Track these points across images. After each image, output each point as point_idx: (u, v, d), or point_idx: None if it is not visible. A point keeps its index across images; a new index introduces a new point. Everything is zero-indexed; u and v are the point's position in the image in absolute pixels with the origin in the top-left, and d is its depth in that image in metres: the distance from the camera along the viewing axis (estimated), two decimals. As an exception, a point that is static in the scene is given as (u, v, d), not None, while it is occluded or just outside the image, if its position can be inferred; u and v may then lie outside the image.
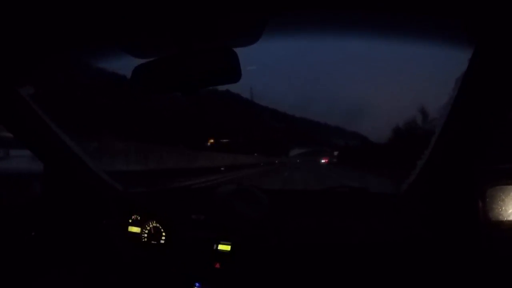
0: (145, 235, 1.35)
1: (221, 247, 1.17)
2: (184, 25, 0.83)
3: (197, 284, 1.16)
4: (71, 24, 0.92)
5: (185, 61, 0.87)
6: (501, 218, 1.02)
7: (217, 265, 1.15)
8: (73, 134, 1.39)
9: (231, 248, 1.16)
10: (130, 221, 1.39)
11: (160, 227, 1.33)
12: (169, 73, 0.90)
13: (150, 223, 1.35)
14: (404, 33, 0.96)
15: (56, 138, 1.36)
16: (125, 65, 1.08)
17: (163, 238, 1.31)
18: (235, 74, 0.82)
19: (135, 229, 1.38)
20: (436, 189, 1.13)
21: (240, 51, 0.83)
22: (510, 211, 1.02)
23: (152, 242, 1.33)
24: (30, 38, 1.00)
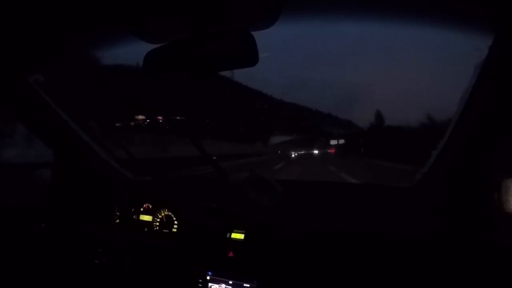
0: (157, 223, 1.36)
1: (234, 235, 1.18)
2: (199, 7, 0.82)
3: (209, 273, 1.16)
4: (81, 9, 0.91)
5: (200, 44, 0.85)
6: (516, 210, 1.01)
7: (231, 254, 1.15)
8: (82, 122, 1.39)
9: (244, 236, 1.16)
10: (141, 209, 1.40)
11: (172, 216, 1.33)
12: (183, 57, 0.88)
13: (162, 211, 1.36)
14: (421, 16, 0.95)
15: (66, 126, 1.36)
16: (137, 50, 1.06)
17: (175, 226, 1.32)
18: (252, 57, 0.80)
19: (146, 218, 1.38)
20: (451, 180, 1.12)
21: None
22: (525, 203, 1.01)
23: (164, 230, 1.34)
24: (39, 25, 0.99)
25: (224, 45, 0.84)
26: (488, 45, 0.89)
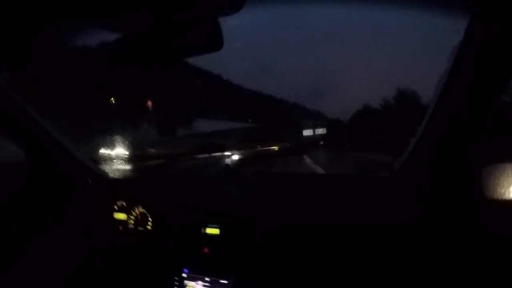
0: (132, 221, 1.31)
1: (209, 230, 1.13)
2: None
3: (185, 270, 1.13)
4: (43, 3, 0.88)
5: (165, 31, 0.82)
6: (496, 196, 1.00)
7: (206, 250, 1.11)
8: (53, 119, 1.34)
9: (219, 231, 1.12)
10: (116, 207, 1.35)
11: (147, 213, 1.29)
12: (149, 46, 0.85)
13: (136, 209, 1.31)
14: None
15: (36, 125, 1.30)
16: (104, 41, 1.02)
17: (150, 224, 1.28)
18: (217, 42, 0.77)
19: (121, 216, 1.33)
20: (430, 168, 1.10)
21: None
22: (505, 189, 1.00)
23: (139, 228, 1.29)
24: (2, 22, 0.95)
25: (188, 32, 0.81)
26: (465, 27, 0.86)
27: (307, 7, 1.06)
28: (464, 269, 0.96)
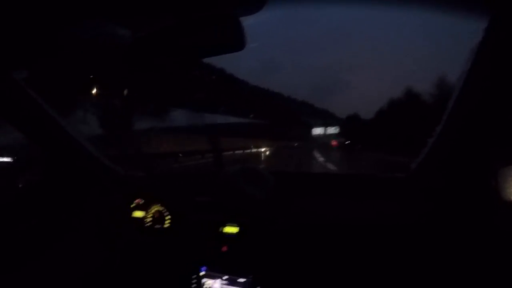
0: (149, 219, 1.33)
1: (227, 229, 1.15)
2: None
3: (203, 268, 1.14)
4: (64, 2, 0.89)
5: (185, 30, 0.83)
6: (513, 198, 0.99)
7: (224, 248, 1.12)
8: (70, 117, 1.36)
9: (238, 230, 1.14)
10: (133, 205, 1.37)
11: (164, 211, 1.30)
12: (168, 45, 0.86)
13: (154, 207, 1.33)
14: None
15: (54, 123, 1.32)
16: (122, 40, 1.04)
17: (168, 222, 1.29)
18: (239, 42, 0.78)
19: (138, 214, 1.35)
20: (447, 168, 1.10)
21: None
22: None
23: (156, 226, 1.31)
24: (23, 20, 0.96)
25: (210, 31, 0.82)
26: (483, 27, 0.86)
27: (322, 7, 1.07)
28: (479, 270, 0.96)
